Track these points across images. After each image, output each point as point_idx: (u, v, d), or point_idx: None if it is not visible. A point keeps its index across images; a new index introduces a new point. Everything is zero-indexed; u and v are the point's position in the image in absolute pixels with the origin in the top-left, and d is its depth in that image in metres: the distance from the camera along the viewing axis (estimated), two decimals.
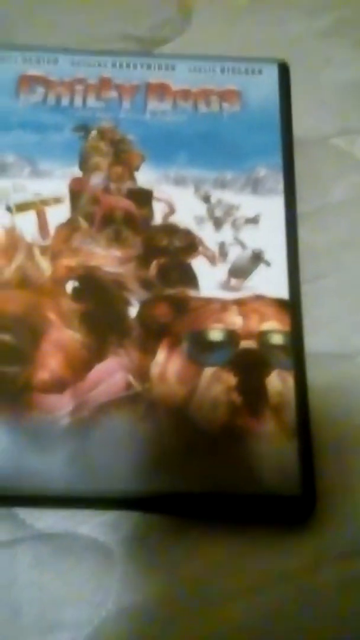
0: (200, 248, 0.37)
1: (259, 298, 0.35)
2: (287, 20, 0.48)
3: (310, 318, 0.36)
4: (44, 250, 0.35)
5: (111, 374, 0.33)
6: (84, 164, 0.38)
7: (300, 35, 0.47)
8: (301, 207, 0.39)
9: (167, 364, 0.33)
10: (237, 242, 0.37)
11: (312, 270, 0.38)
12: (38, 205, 0.37)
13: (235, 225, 0.37)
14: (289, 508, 0.31)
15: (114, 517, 0.32)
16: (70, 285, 0.35)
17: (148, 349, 0.33)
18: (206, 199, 0.38)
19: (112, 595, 0.30)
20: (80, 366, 0.33)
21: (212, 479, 0.31)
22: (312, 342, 0.35)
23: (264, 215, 0.38)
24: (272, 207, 0.38)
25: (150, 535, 0.31)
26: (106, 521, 0.32)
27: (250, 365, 0.33)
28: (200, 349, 0.34)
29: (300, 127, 0.41)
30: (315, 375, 0.34)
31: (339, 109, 0.45)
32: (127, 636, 0.29)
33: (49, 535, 0.31)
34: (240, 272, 0.36)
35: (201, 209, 0.38)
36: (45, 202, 0.37)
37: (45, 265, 0.35)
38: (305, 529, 0.31)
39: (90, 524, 0.32)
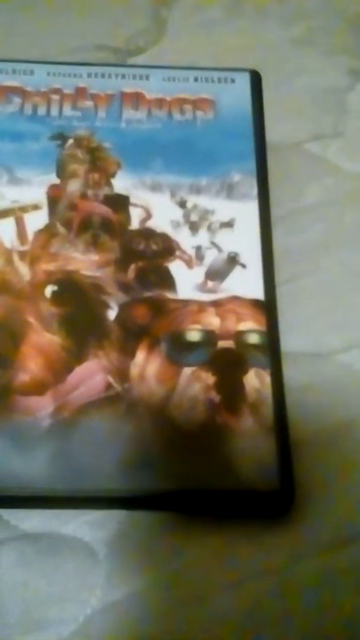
0: (177, 252, 0.37)
1: (236, 299, 0.36)
2: (261, 29, 0.49)
3: (287, 318, 0.36)
4: (22, 255, 0.36)
5: (91, 375, 0.33)
6: (61, 172, 0.39)
7: (273, 43, 0.49)
8: (276, 211, 0.40)
9: (146, 365, 0.34)
10: (213, 245, 0.37)
11: (287, 272, 0.38)
12: (16, 212, 0.37)
13: (210, 229, 0.38)
14: (268, 502, 0.31)
15: (97, 516, 0.32)
16: (49, 290, 0.35)
17: (127, 351, 0.34)
18: (182, 204, 0.39)
19: (97, 593, 0.31)
20: (60, 368, 0.33)
21: (193, 475, 0.31)
22: (289, 341, 0.36)
23: (238, 219, 0.38)
24: (247, 211, 0.39)
25: (134, 533, 0.32)
26: (90, 520, 0.32)
27: (228, 364, 0.34)
28: (179, 350, 0.34)
29: (274, 133, 0.42)
30: (291, 373, 0.35)
31: (313, 114, 0.46)
32: (112, 633, 0.30)
33: (34, 536, 0.32)
34: (216, 274, 0.37)
35: (177, 214, 0.38)
36: (23, 209, 0.37)
37: (24, 270, 0.36)
38: (284, 523, 0.32)
39: (74, 524, 0.32)
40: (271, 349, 0.35)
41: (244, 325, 0.35)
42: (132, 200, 0.38)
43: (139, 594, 0.31)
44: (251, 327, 0.35)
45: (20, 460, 0.31)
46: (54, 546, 0.31)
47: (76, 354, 0.34)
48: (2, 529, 0.32)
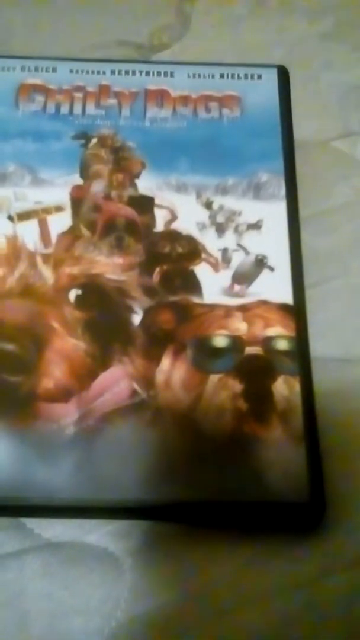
0: (203, 254, 0.36)
1: (263, 303, 0.35)
2: (287, 24, 0.48)
3: (316, 323, 0.35)
4: (46, 258, 0.35)
5: (116, 382, 0.32)
6: (84, 172, 0.38)
7: (300, 38, 0.47)
8: (304, 211, 0.39)
9: (171, 371, 0.33)
10: (240, 247, 0.37)
11: (316, 275, 0.37)
12: (40, 214, 0.37)
13: (237, 231, 0.37)
14: (298, 515, 0.31)
15: (122, 526, 0.32)
16: (73, 294, 0.34)
17: (152, 357, 0.33)
18: (208, 205, 0.38)
19: (122, 605, 0.30)
20: (84, 375, 0.33)
21: (220, 486, 0.31)
22: (318, 346, 0.35)
23: (266, 221, 0.37)
24: (275, 212, 0.38)
25: (159, 544, 0.31)
26: (114, 530, 0.31)
27: (255, 371, 0.33)
28: (205, 356, 0.34)
29: (301, 130, 0.41)
30: (321, 380, 0.34)
31: (340, 111, 0.45)
32: None
33: (57, 545, 0.31)
34: (243, 277, 0.36)
35: (203, 215, 0.38)
36: (46, 211, 0.37)
37: (47, 273, 0.35)
38: (314, 536, 0.31)
39: (98, 533, 0.31)
40: (300, 355, 0.34)
41: (272, 331, 0.34)
42: (157, 201, 0.38)
43: (164, 607, 0.30)
44: (279, 333, 0.34)
45: (44, 469, 0.31)
46: (78, 556, 0.31)
47: (101, 360, 0.33)
48: (26, 538, 0.31)
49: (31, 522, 0.32)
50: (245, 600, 0.30)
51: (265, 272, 0.36)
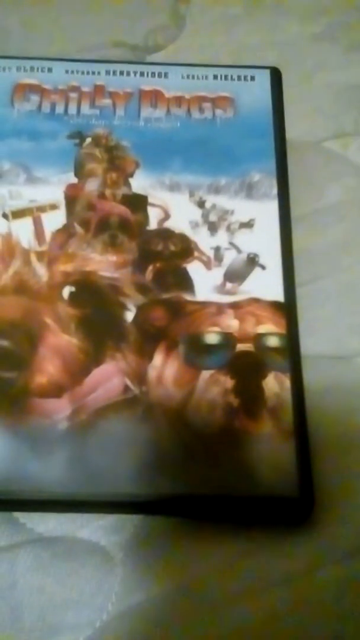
0: (196, 252, 0.37)
1: (255, 301, 0.35)
2: (280, 25, 0.48)
3: (307, 320, 0.36)
4: (40, 256, 0.36)
5: (109, 378, 0.33)
6: (79, 171, 0.39)
7: (293, 40, 0.48)
8: (296, 211, 0.39)
9: (164, 368, 0.33)
10: (232, 246, 0.37)
11: (307, 273, 0.38)
12: (34, 212, 0.37)
13: (230, 230, 0.38)
14: (287, 509, 0.31)
15: (114, 520, 0.32)
16: (66, 291, 0.35)
17: (145, 353, 0.34)
18: (201, 204, 0.38)
19: (113, 598, 0.30)
20: (77, 371, 0.33)
21: (210, 481, 0.31)
22: (309, 344, 0.35)
23: (258, 220, 0.38)
24: (267, 211, 0.38)
25: (150, 538, 0.31)
26: (106, 525, 0.32)
27: (246, 367, 0.33)
28: (197, 353, 0.34)
29: (293, 131, 0.42)
30: (312, 377, 0.34)
31: (332, 112, 0.45)
32: (128, 639, 0.29)
33: (49, 539, 0.31)
34: (235, 276, 0.36)
35: (196, 214, 0.38)
36: (41, 209, 0.37)
37: (41, 270, 0.35)
38: (303, 531, 0.31)
39: (90, 528, 0.32)
40: (291, 352, 0.34)
41: (263, 328, 0.34)
42: (151, 200, 0.38)
43: (155, 600, 0.30)
44: (271, 330, 0.34)
45: (36, 464, 0.31)
46: (70, 550, 0.31)
47: (93, 356, 0.33)
48: (18, 532, 0.32)
49: (24, 517, 0.32)
50: (236, 593, 0.30)
51: (257, 271, 0.36)
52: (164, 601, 0.30)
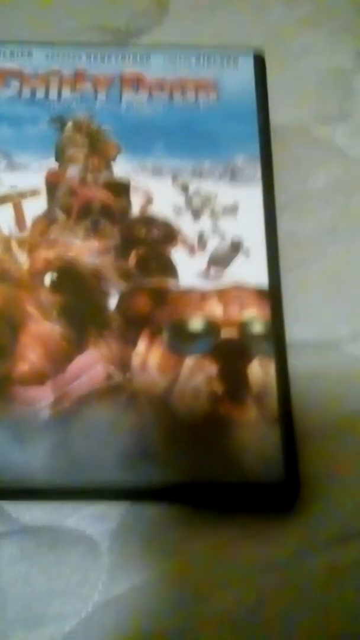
0: (179, 238, 0.36)
1: (239, 287, 0.35)
2: (265, 8, 0.48)
3: (292, 307, 0.36)
4: (21, 242, 0.35)
5: (92, 365, 0.32)
6: (60, 156, 0.38)
7: (278, 23, 0.47)
8: (281, 196, 0.39)
9: (147, 355, 0.33)
10: (216, 231, 0.37)
11: (293, 259, 0.38)
12: (15, 198, 0.36)
13: (213, 215, 0.37)
14: (273, 496, 0.31)
15: (99, 509, 0.32)
16: (48, 278, 0.34)
17: (128, 340, 0.33)
18: (184, 188, 0.38)
19: (99, 587, 0.30)
20: (60, 358, 0.32)
21: (196, 468, 0.31)
22: (294, 330, 0.35)
23: (242, 204, 0.37)
24: (251, 196, 0.38)
25: (136, 526, 0.31)
26: (92, 513, 0.31)
27: (231, 354, 0.33)
28: (181, 339, 0.34)
29: (279, 115, 0.41)
30: (297, 363, 0.34)
31: (318, 96, 0.45)
32: (114, 628, 0.29)
33: (35, 529, 0.31)
34: (219, 261, 0.36)
35: (179, 199, 0.37)
36: (22, 195, 0.37)
37: (22, 258, 0.35)
38: (289, 517, 0.31)
39: (76, 516, 0.31)
40: (276, 338, 0.34)
41: (247, 314, 0.34)
42: (133, 185, 0.38)
43: (142, 588, 0.30)
44: (255, 316, 0.34)
45: (20, 452, 0.31)
46: (56, 539, 0.31)
47: (76, 343, 0.33)
48: (3, 522, 0.31)
49: (8, 506, 0.32)
50: (223, 581, 0.30)
51: (241, 256, 0.36)
52: (150, 589, 0.30)
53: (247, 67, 0.42)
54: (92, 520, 0.31)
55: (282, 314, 0.35)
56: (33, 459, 0.30)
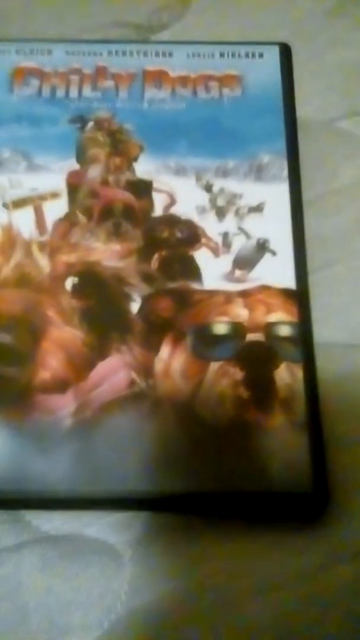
0: (203, 239, 0.35)
1: (265, 289, 0.34)
2: (290, 1, 0.46)
3: (320, 308, 0.35)
4: (42, 246, 0.35)
5: (114, 371, 0.32)
6: (81, 156, 0.38)
7: (304, 15, 0.46)
8: (307, 193, 0.38)
9: (171, 360, 0.32)
10: (241, 231, 0.36)
11: (320, 258, 0.36)
12: (35, 201, 0.36)
13: (238, 215, 0.36)
14: (301, 505, 0.30)
15: (122, 518, 0.31)
16: (69, 282, 0.34)
17: (151, 345, 0.32)
18: (208, 188, 0.37)
19: (122, 598, 0.29)
20: (82, 365, 0.32)
21: (221, 476, 0.30)
22: (322, 332, 0.34)
23: (268, 203, 0.36)
24: (277, 194, 0.37)
25: (159, 535, 0.31)
26: (114, 522, 0.31)
27: (257, 358, 0.32)
28: (205, 344, 0.33)
29: (305, 110, 0.40)
30: (325, 366, 0.33)
31: (345, 90, 0.43)
32: (137, 639, 0.29)
33: (56, 538, 0.31)
34: (244, 262, 0.35)
35: (203, 198, 0.37)
36: (42, 197, 0.36)
37: (43, 262, 0.34)
38: (317, 527, 0.30)
39: (97, 525, 0.31)
40: (303, 341, 0.33)
41: (274, 317, 0.33)
42: (156, 185, 0.37)
43: (165, 600, 0.29)
44: (282, 319, 0.33)
45: (41, 461, 0.30)
46: (77, 549, 0.30)
47: (98, 349, 0.32)
48: (23, 530, 0.31)
49: (29, 514, 0.31)
50: (247, 592, 0.29)
51: (267, 257, 0.35)
52: (173, 600, 0.29)
53: (273, 60, 0.41)
54: (114, 529, 0.31)
55: (310, 315, 0.34)
56: (54, 469, 0.30)
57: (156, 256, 0.35)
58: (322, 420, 0.31)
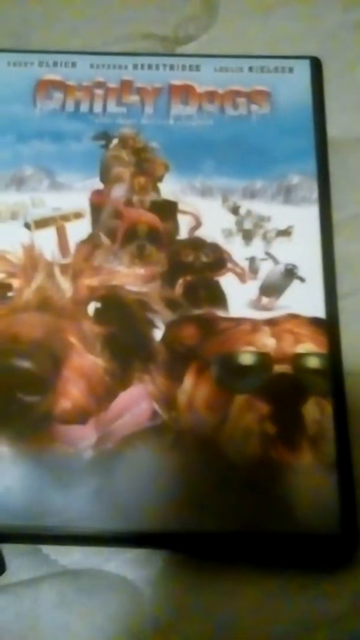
0: (229, 264, 0.34)
1: (293, 317, 0.33)
2: (320, 14, 0.45)
3: (350, 337, 0.33)
4: (64, 269, 0.34)
5: (136, 402, 0.31)
6: (105, 175, 0.37)
7: (334, 29, 0.45)
8: (337, 215, 0.36)
9: (195, 391, 0.31)
10: (269, 256, 0.35)
11: (350, 285, 0.35)
12: (58, 221, 0.35)
13: (266, 238, 0.35)
14: (329, 548, 0.29)
15: (142, 553, 0.30)
16: (92, 307, 0.33)
17: (175, 375, 0.31)
18: (234, 210, 0.36)
19: (142, 638, 0.28)
20: (103, 394, 0.31)
21: (245, 516, 0.29)
22: (352, 363, 0.33)
23: (297, 227, 0.35)
24: (306, 218, 0.36)
25: (180, 573, 0.30)
26: (134, 558, 0.30)
27: (284, 391, 0.31)
28: (230, 374, 0.32)
29: (335, 128, 0.39)
30: (356, 400, 0.32)
31: None
32: None
33: (74, 572, 0.30)
34: (272, 289, 0.34)
35: (229, 221, 0.36)
36: (65, 218, 0.35)
37: (66, 285, 0.33)
38: (346, 571, 0.29)
39: (117, 561, 0.30)
40: (333, 373, 0.32)
41: (302, 347, 0.32)
42: (181, 206, 0.36)
43: None
44: (311, 350, 0.32)
45: (60, 495, 0.29)
46: (96, 584, 0.30)
47: (120, 378, 0.31)
48: (42, 564, 0.30)
49: (47, 548, 0.30)
50: (270, 635, 0.28)
51: (296, 283, 0.34)
52: None
53: (303, 75, 0.40)
54: (134, 565, 0.30)
55: (340, 347, 0.33)
56: (73, 503, 0.29)
57: (181, 281, 0.34)
58: (353, 458, 0.30)
